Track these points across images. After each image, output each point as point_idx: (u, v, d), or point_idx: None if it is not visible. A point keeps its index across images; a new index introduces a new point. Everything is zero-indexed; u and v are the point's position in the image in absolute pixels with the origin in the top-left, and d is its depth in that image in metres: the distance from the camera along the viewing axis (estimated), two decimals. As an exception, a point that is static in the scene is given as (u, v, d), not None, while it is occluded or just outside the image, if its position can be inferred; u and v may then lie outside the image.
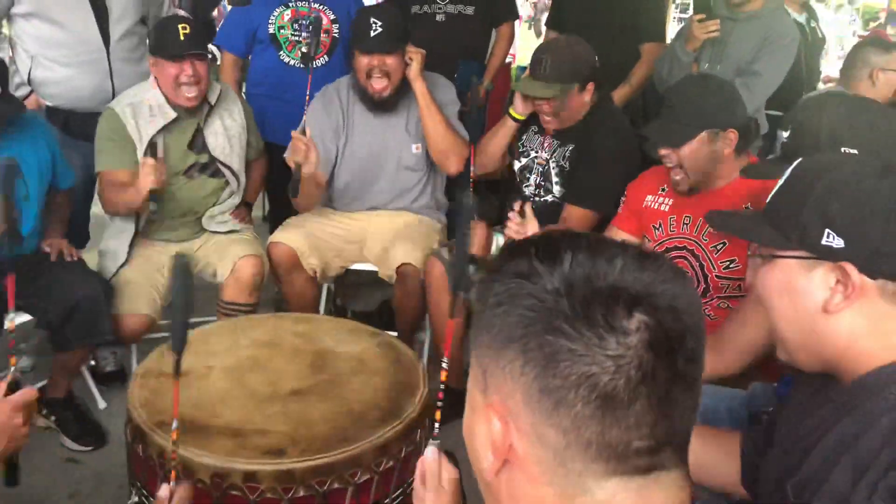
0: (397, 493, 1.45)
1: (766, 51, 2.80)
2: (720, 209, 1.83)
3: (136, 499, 1.49)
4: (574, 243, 0.62)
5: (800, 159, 1.06)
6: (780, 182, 1.06)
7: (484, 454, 0.63)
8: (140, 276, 2.39)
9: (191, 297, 1.02)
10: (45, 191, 2.33)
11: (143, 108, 2.40)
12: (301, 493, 1.32)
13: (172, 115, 2.41)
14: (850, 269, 0.94)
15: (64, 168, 2.43)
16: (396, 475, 1.43)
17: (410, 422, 1.46)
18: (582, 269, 0.59)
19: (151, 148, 2.34)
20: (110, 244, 2.47)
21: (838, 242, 0.95)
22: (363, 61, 2.52)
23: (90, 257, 2.45)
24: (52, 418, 2.37)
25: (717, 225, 1.20)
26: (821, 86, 4.37)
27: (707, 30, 2.80)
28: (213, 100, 2.50)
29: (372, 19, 2.47)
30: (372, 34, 2.46)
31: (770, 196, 1.07)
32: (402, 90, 2.60)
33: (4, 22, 2.74)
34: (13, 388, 1.25)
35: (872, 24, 8.96)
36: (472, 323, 0.66)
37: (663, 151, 1.87)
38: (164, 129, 2.42)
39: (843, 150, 1.41)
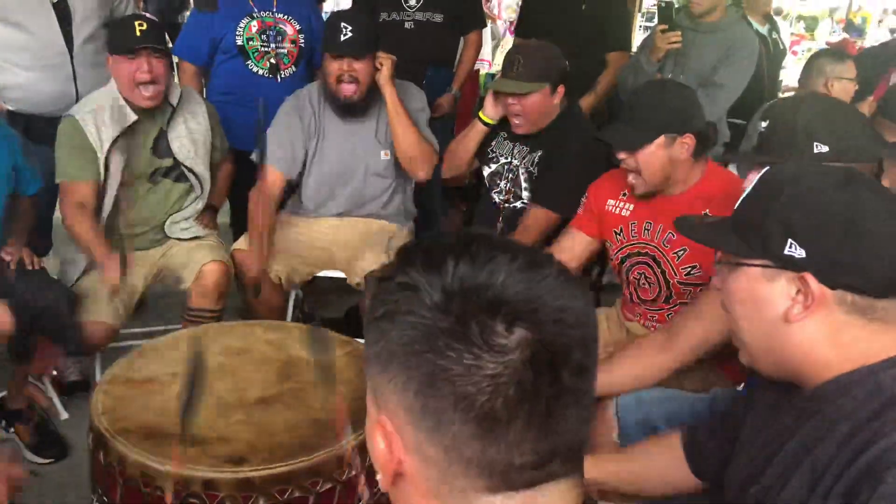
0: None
1: (728, 62, 2.87)
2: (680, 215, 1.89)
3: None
4: (459, 251, 0.59)
5: (767, 168, 1.08)
6: (747, 190, 1.08)
7: (377, 467, 0.63)
8: (102, 284, 2.35)
9: (202, 387, 1.19)
10: (6, 196, 2.29)
11: (104, 113, 2.37)
12: (261, 502, 1.31)
13: (132, 118, 2.38)
14: (810, 279, 0.96)
15: (28, 174, 2.38)
16: (363, 482, 1.40)
17: None
18: (462, 281, 0.57)
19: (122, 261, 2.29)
20: (70, 252, 2.43)
21: (800, 252, 0.96)
22: (333, 66, 2.52)
23: (52, 265, 2.40)
24: (12, 430, 2.32)
25: (685, 232, 1.20)
26: (781, 96, 4.48)
27: (669, 41, 2.86)
28: (175, 101, 2.48)
29: (342, 24, 2.47)
30: (342, 38, 2.46)
31: (737, 204, 1.09)
32: (373, 96, 2.60)
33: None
34: None
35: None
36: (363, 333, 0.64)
37: (621, 155, 1.89)
38: (126, 133, 2.39)
39: (815, 144, 1.45)
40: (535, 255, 0.60)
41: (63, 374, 2.62)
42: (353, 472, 1.39)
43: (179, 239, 2.58)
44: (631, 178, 1.91)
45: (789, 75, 6.20)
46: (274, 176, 2.64)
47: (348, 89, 2.54)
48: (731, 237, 1.06)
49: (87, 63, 2.68)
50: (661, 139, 1.83)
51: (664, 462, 1.34)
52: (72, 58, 2.66)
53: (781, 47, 4.29)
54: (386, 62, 2.54)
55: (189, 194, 2.59)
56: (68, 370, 2.63)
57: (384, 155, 2.68)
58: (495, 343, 0.55)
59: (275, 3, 2.94)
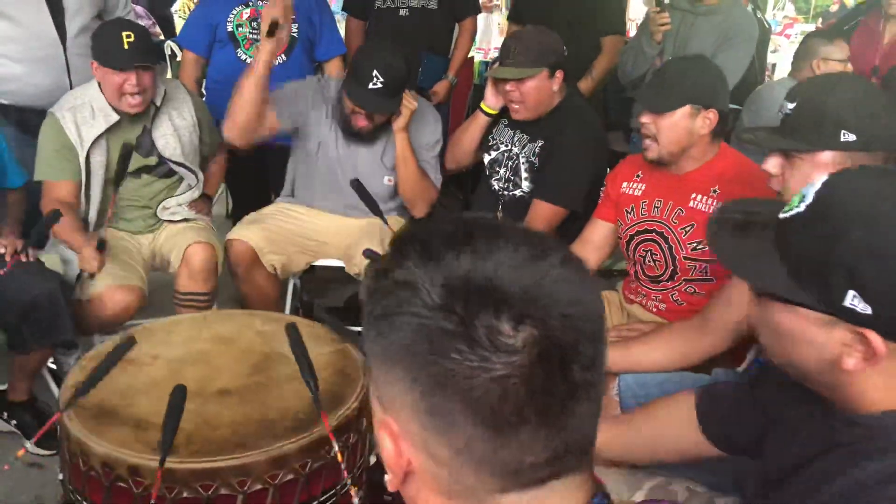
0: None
1: (727, 44, 2.86)
2: (690, 193, 1.89)
3: (61, 476, 1.48)
4: (459, 241, 0.57)
5: (827, 181, 0.90)
6: (801, 208, 0.89)
7: (386, 467, 0.62)
8: (115, 253, 2.34)
9: (178, 420, 1.23)
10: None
11: (85, 110, 2.35)
12: (185, 495, 1.28)
13: (115, 118, 2.36)
14: (874, 337, 0.84)
15: (13, 166, 2.38)
16: (301, 489, 1.36)
17: (319, 437, 1.38)
18: (464, 276, 0.54)
19: (99, 243, 2.25)
20: (67, 251, 2.42)
21: (864, 308, 0.83)
22: (352, 105, 2.44)
23: (50, 258, 2.40)
24: (13, 422, 2.32)
25: (725, 261, 1.01)
26: (767, 78, 4.48)
27: (657, 23, 2.85)
28: (158, 101, 2.46)
29: (374, 71, 2.33)
30: (370, 86, 2.35)
31: (786, 220, 0.92)
32: (383, 124, 2.52)
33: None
34: None
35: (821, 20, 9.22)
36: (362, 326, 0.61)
37: (644, 119, 1.90)
38: (108, 132, 2.37)
39: (842, 132, 1.40)
40: (538, 244, 0.58)
41: (62, 369, 2.61)
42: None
43: (171, 221, 2.57)
44: (647, 142, 1.93)
45: (782, 59, 6.20)
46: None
47: (361, 122, 2.47)
48: (783, 276, 0.89)
49: (82, 55, 2.64)
50: (687, 109, 1.84)
51: (674, 424, 1.26)
52: (65, 50, 2.63)
53: (767, 26, 4.30)
54: (405, 111, 2.46)
55: (179, 185, 2.59)
56: (67, 365, 2.62)
57: (388, 181, 2.63)
58: (502, 343, 0.53)
59: None
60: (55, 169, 2.35)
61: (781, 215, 0.92)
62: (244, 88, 2.35)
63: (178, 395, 1.32)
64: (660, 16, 2.85)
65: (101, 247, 2.25)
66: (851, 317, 0.84)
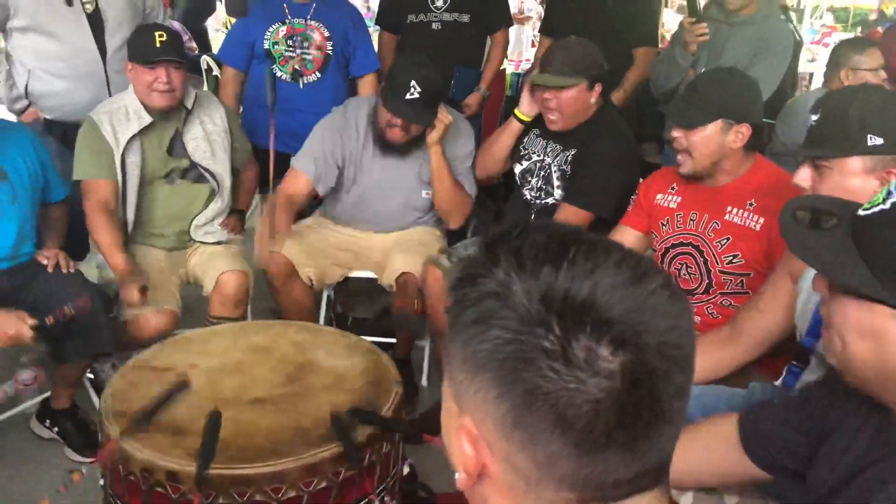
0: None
1: (762, 56, 2.81)
2: (726, 206, 1.88)
3: (102, 482, 1.51)
4: (555, 255, 0.55)
5: None
6: (885, 205, 0.89)
7: (458, 467, 0.61)
8: (151, 275, 2.39)
9: (216, 447, 1.29)
10: (36, 198, 2.34)
11: (120, 113, 2.42)
12: (220, 501, 1.31)
13: (148, 119, 2.42)
14: None
15: (56, 180, 2.44)
16: (335, 497, 1.38)
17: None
18: (563, 293, 0.53)
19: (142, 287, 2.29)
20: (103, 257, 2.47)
21: None
22: (388, 117, 2.46)
23: (89, 269, 2.45)
24: (55, 429, 2.37)
25: (799, 253, 0.98)
26: (804, 88, 4.41)
27: (695, 34, 2.82)
28: (189, 104, 2.51)
29: (412, 82, 2.36)
30: (407, 97, 2.37)
31: (866, 213, 0.91)
32: (418, 138, 2.54)
33: (0, 36, 2.75)
34: None
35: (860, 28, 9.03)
36: (447, 327, 0.61)
37: (676, 134, 1.90)
38: (141, 133, 2.44)
39: (868, 136, 1.40)
40: (639, 264, 0.57)
41: (99, 378, 2.66)
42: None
43: (203, 242, 2.61)
44: (679, 157, 1.92)
45: (820, 68, 6.10)
46: (301, 180, 2.60)
47: (396, 134, 2.49)
48: (863, 273, 0.88)
49: (121, 70, 2.71)
50: (719, 123, 1.84)
51: (717, 446, 1.24)
52: (105, 66, 2.71)
53: (798, 38, 4.22)
54: (440, 126, 2.47)
55: (213, 197, 2.62)
56: (104, 374, 2.66)
57: (425, 195, 2.65)
58: (600, 367, 0.52)
59: (311, 11, 2.96)
60: (95, 168, 2.41)
61: (861, 212, 0.91)
62: None
63: (214, 424, 1.35)
64: (697, 26, 2.81)
65: (143, 290, 2.29)
66: None
